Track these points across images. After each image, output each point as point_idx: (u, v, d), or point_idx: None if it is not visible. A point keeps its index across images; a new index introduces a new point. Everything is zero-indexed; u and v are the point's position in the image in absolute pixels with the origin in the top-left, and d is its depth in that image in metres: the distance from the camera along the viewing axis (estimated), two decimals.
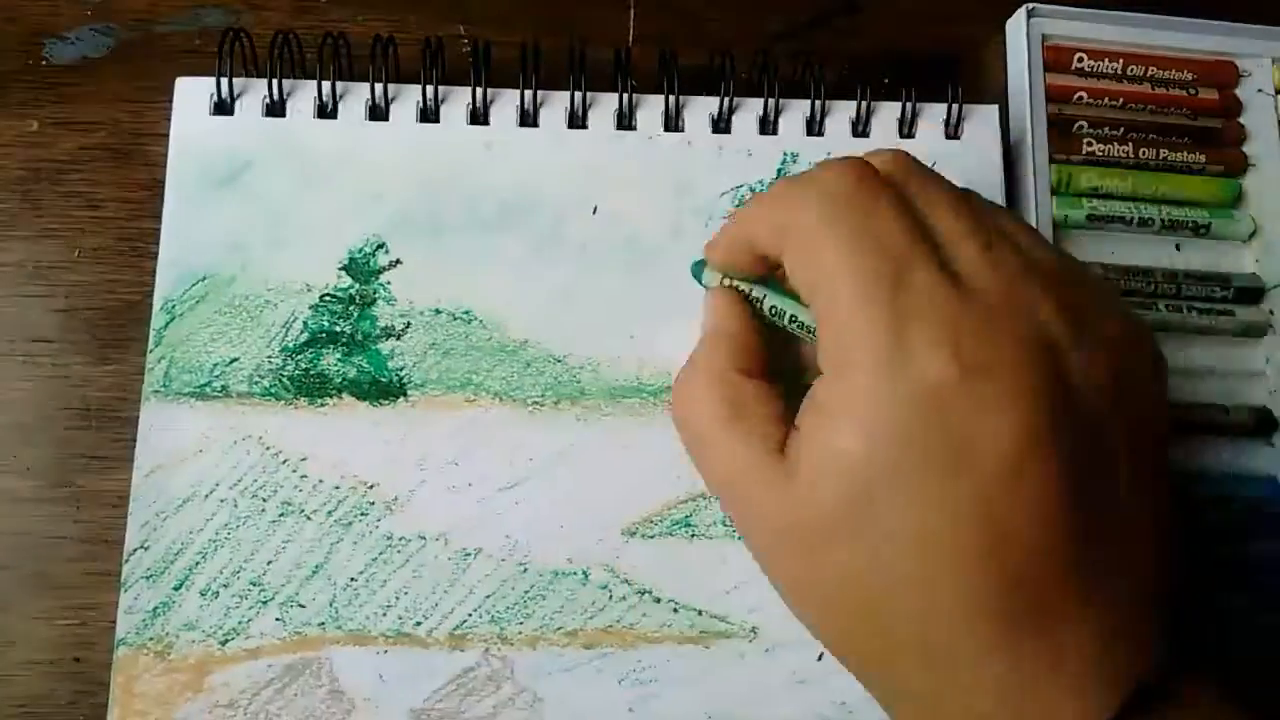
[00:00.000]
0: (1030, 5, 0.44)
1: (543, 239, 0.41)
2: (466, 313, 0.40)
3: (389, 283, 0.40)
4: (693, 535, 0.39)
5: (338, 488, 0.38)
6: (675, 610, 0.38)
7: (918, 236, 0.28)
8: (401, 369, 0.39)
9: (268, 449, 0.38)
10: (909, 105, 0.42)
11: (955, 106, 0.42)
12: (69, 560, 0.39)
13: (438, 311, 0.40)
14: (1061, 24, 0.45)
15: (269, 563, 0.37)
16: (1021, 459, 0.26)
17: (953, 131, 0.42)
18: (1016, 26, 0.44)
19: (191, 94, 0.41)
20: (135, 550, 0.37)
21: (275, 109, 0.41)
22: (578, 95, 0.41)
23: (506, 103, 0.41)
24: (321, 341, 0.39)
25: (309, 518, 0.38)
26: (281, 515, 0.38)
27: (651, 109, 0.42)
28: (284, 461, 0.38)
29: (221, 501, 0.38)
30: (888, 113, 0.43)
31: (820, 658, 0.38)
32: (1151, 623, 0.28)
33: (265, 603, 0.37)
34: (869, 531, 0.27)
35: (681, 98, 0.42)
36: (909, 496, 0.27)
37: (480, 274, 0.40)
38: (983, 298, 0.28)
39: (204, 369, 0.39)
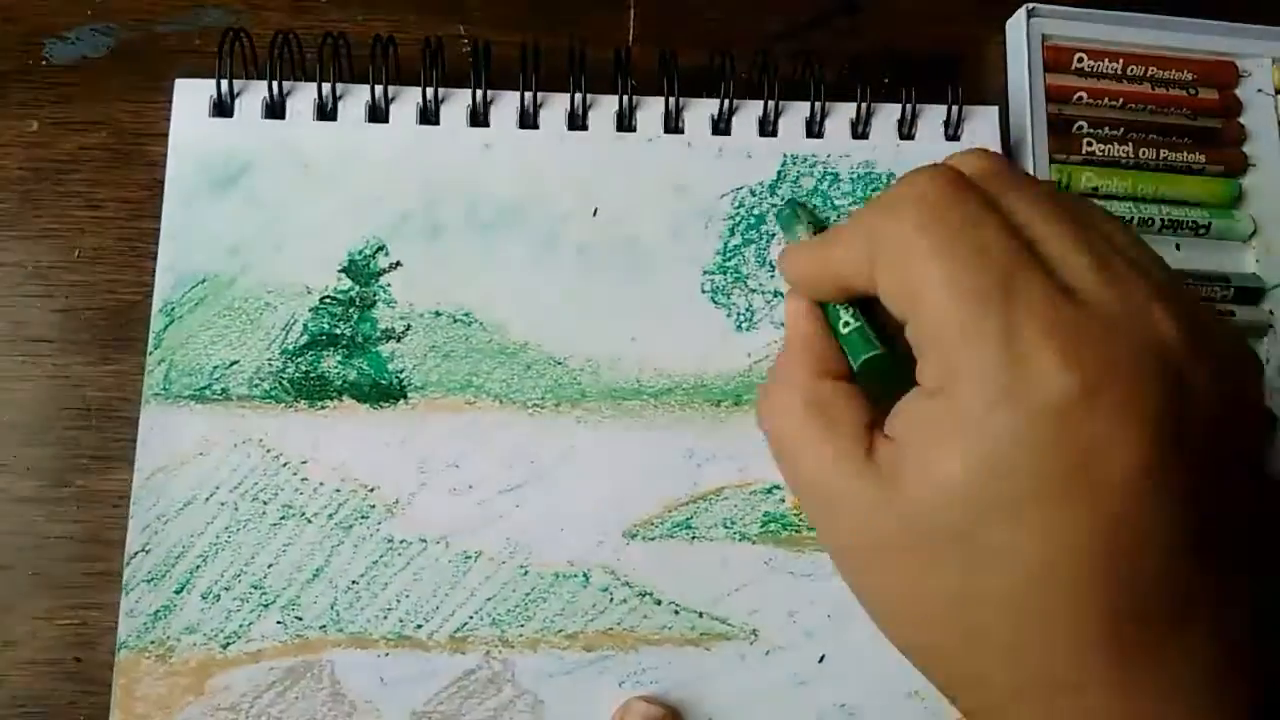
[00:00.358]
0: (1030, 5, 0.44)
1: (543, 241, 0.41)
2: (467, 315, 0.40)
3: (389, 285, 0.40)
4: (693, 537, 0.39)
5: (338, 490, 0.38)
6: (676, 612, 0.38)
7: (1022, 244, 0.27)
8: (402, 371, 0.39)
9: (268, 452, 0.38)
10: (909, 106, 0.42)
11: (955, 107, 0.42)
12: (69, 560, 0.39)
13: (438, 314, 0.40)
14: (1061, 24, 0.45)
15: (270, 566, 0.37)
16: (1147, 480, 0.25)
17: (953, 132, 0.42)
18: (1016, 26, 0.44)
19: (191, 96, 0.41)
20: (136, 553, 0.37)
21: (275, 110, 0.41)
22: (577, 96, 0.41)
23: (506, 104, 0.41)
24: (321, 344, 0.39)
25: (310, 521, 0.38)
26: (282, 518, 0.38)
27: (651, 110, 0.42)
28: (284, 464, 0.38)
29: (222, 505, 0.38)
30: (888, 113, 0.43)
31: (821, 660, 0.38)
32: (1260, 650, 0.26)
33: (266, 606, 0.37)
34: (980, 559, 0.26)
35: (681, 99, 0.42)
36: (1027, 526, 0.25)
37: (481, 276, 0.40)
38: (1100, 309, 0.26)
39: (204, 372, 0.39)
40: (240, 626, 0.37)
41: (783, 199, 0.41)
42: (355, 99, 0.41)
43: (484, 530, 0.38)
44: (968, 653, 0.27)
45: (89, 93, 0.43)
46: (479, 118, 0.41)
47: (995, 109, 0.43)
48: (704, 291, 0.41)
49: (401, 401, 0.39)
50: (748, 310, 0.41)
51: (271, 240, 0.40)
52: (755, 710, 0.38)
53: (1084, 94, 0.44)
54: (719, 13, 0.46)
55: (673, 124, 0.42)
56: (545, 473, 0.39)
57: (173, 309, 0.39)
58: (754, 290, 0.41)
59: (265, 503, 0.38)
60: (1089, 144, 0.43)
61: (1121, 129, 0.44)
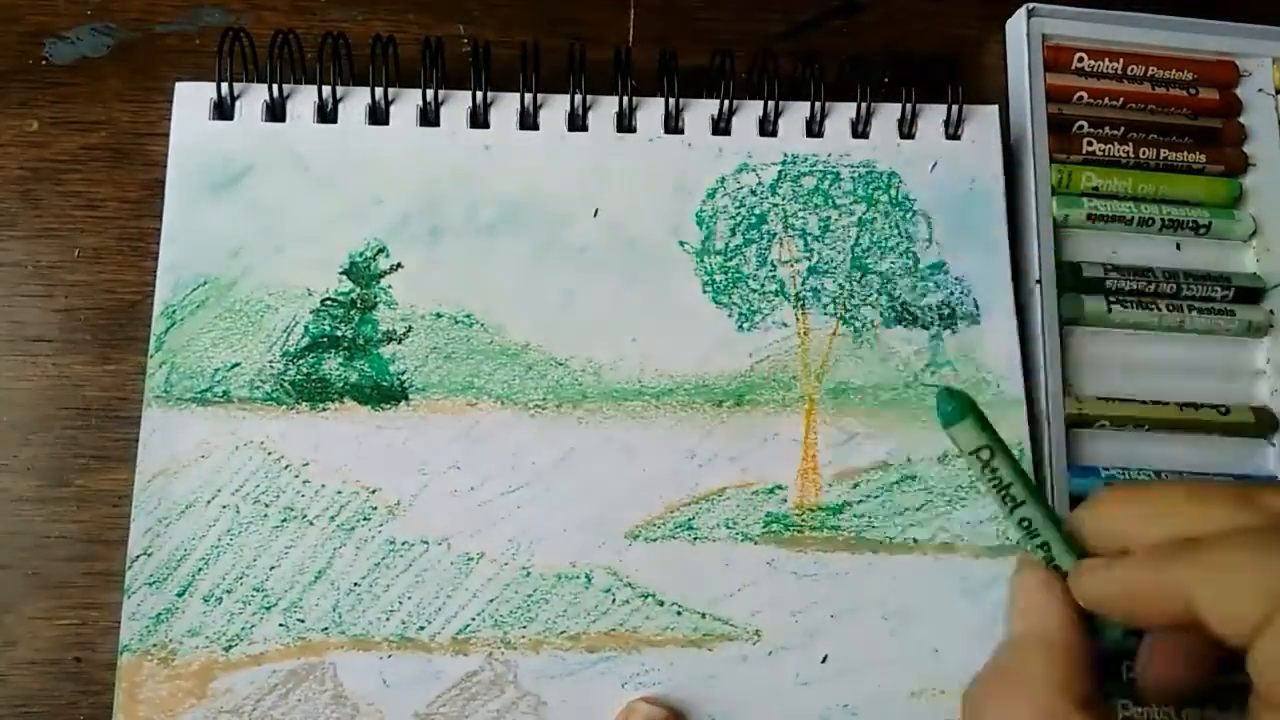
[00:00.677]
0: (1030, 5, 0.44)
1: (543, 242, 0.41)
2: (468, 316, 0.40)
3: (390, 286, 0.40)
4: (695, 538, 0.39)
5: (340, 492, 0.38)
6: (678, 613, 0.38)
7: None
8: (403, 373, 0.39)
9: (269, 454, 0.38)
10: (909, 105, 0.42)
11: (955, 106, 0.42)
12: (69, 560, 0.39)
13: (439, 315, 0.40)
14: (1061, 24, 0.45)
15: (272, 568, 0.37)
16: None
17: (953, 131, 0.42)
18: (1016, 26, 0.44)
19: (191, 98, 0.40)
20: (138, 556, 0.37)
21: (275, 113, 0.41)
22: (577, 97, 0.41)
23: (506, 105, 0.41)
24: (323, 346, 0.39)
25: (311, 523, 0.38)
26: (284, 521, 0.38)
27: (651, 111, 0.42)
28: (286, 467, 0.38)
29: (224, 507, 0.38)
30: (888, 113, 0.42)
31: (824, 660, 0.38)
32: None
33: (268, 608, 0.37)
34: None
35: (681, 99, 0.42)
36: None
37: (481, 277, 0.40)
38: None
39: (205, 374, 0.39)
40: (242, 629, 0.37)
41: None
42: (355, 101, 0.41)
43: (486, 531, 0.38)
44: None
45: (89, 93, 0.43)
46: (479, 119, 0.41)
47: (995, 108, 0.43)
48: (705, 292, 0.41)
49: (403, 403, 0.39)
50: (749, 310, 0.41)
51: (272, 242, 0.40)
52: (758, 711, 0.38)
53: (1084, 94, 0.44)
54: (719, 13, 0.46)
55: (673, 124, 0.42)
56: (547, 474, 0.39)
57: (174, 312, 0.39)
58: (755, 290, 0.41)
59: (267, 505, 0.38)
60: (1089, 143, 0.43)
61: (1122, 128, 0.44)
